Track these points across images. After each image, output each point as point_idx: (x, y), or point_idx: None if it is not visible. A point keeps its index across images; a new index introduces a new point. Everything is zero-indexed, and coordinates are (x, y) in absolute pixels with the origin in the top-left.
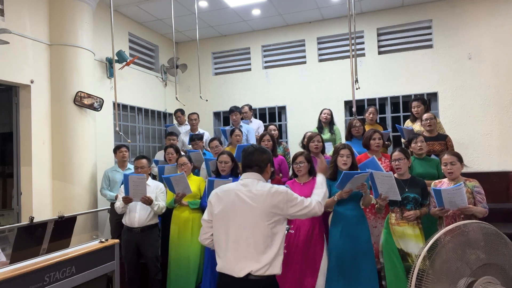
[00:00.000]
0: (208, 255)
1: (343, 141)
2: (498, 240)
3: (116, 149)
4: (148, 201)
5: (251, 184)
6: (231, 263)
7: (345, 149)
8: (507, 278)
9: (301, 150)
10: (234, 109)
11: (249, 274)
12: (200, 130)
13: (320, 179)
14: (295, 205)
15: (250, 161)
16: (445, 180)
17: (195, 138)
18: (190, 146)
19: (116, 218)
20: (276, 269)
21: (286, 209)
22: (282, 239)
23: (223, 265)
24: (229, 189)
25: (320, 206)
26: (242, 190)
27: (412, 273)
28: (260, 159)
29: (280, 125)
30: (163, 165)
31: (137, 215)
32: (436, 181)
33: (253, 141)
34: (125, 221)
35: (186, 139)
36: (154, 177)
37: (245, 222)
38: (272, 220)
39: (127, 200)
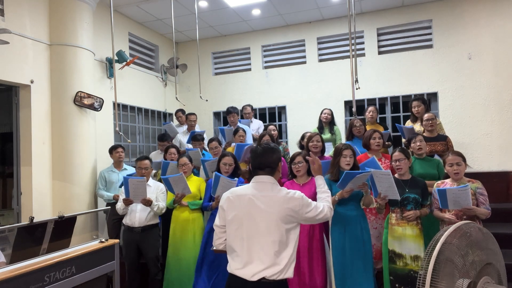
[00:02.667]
0: (202, 255)
1: (344, 141)
2: (490, 239)
3: (112, 149)
4: (148, 203)
5: (265, 189)
6: (245, 267)
7: (347, 149)
8: (498, 275)
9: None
10: (232, 110)
11: (263, 278)
12: (197, 129)
13: (320, 181)
14: (310, 210)
15: (260, 162)
16: (448, 180)
17: (200, 138)
18: (188, 145)
19: (113, 218)
20: (289, 273)
21: (301, 214)
22: (296, 244)
23: (236, 267)
24: (242, 194)
25: (330, 211)
26: (256, 195)
27: (421, 276)
28: (271, 160)
29: (280, 125)
30: (168, 161)
31: (138, 215)
32: (439, 182)
33: (250, 141)
34: (126, 221)
35: (183, 139)
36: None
37: (260, 228)
38: (288, 225)
39: (127, 202)
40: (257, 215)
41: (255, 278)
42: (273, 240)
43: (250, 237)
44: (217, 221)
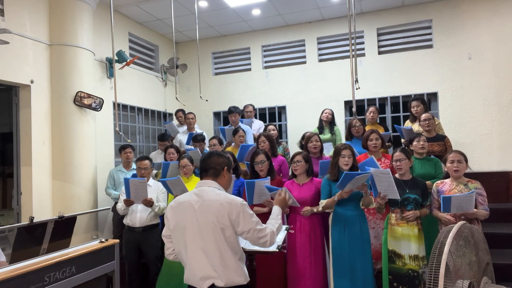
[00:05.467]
0: None
1: (343, 141)
2: (482, 238)
3: (121, 150)
4: (149, 203)
5: (205, 193)
6: (194, 276)
7: (346, 149)
8: (492, 274)
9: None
10: (233, 110)
11: (212, 285)
12: (197, 129)
13: (276, 210)
14: (248, 222)
15: (205, 164)
16: (447, 180)
17: (200, 139)
18: (188, 145)
19: (118, 217)
20: (239, 278)
21: (237, 222)
22: (239, 248)
23: (187, 277)
24: (183, 201)
25: (273, 237)
26: (194, 200)
27: (429, 277)
28: (216, 162)
29: (280, 125)
30: (168, 162)
31: (139, 215)
32: (438, 181)
33: (251, 141)
34: (127, 221)
35: (183, 138)
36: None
37: (199, 233)
38: (226, 232)
39: (128, 202)
40: (196, 220)
41: (204, 286)
42: (213, 246)
43: (192, 244)
44: (164, 231)
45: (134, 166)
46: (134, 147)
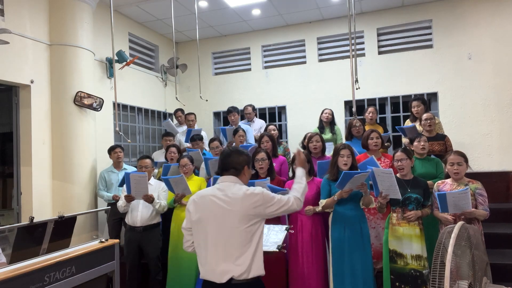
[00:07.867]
0: None
1: (344, 141)
2: (480, 239)
3: (110, 150)
4: (149, 199)
5: (227, 188)
6: (212, 269)
7: (345, 149)
8: (489, 273)
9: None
10: (232, 110)
11: (231, 279)
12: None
13: (299, 173)
14: (272, 205)
15: (226, 163)
16: (448, 180)
17: (196, 138)
18: (187, 145)
19: (113, 218)
20: (258, 270)
21: (263, 210)
22: (260, 239)
23: (204, 272)
24: (206, 195)
25: (298, 202)
26: (218, 194)
27: (435, 277)
28: (236, 161)
29: (280, 125)
30: (169, 165)
31: (139, 214)
32: (439, 181)
33: (251, 141)
34: (128, 220)
35: (183, 138)
36: None
37: (222, 227)
38: (250, 223)
39: (129, 198)
40: (219, 214)
41: (223, 280)
42: (235, 238)
43: (213, 237)
44: (184, 223)
45: (125, 166)
46: (134, 147)
